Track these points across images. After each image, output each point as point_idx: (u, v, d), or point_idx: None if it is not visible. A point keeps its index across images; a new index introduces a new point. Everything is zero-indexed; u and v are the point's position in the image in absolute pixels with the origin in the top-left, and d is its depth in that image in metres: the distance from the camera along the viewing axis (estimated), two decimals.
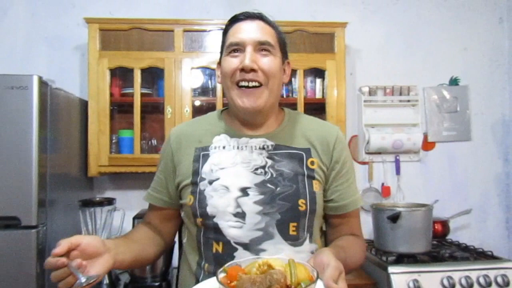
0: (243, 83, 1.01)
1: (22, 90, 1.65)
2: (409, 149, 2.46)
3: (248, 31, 1.02)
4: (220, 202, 0.99)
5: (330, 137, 1.09)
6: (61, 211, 1.91)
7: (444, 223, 2.30)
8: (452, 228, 2.35)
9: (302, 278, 0.76)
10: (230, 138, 1.07)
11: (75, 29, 2.34)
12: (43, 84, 1.70)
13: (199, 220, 1.03)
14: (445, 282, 1.76)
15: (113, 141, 2.19)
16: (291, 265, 0.78)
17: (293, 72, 2.22)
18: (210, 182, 1.02)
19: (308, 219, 1.02)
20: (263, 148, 1.05)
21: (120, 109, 2.27)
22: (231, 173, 1.01)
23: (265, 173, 1.01)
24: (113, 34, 2.10)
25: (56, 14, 2.36)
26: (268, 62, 1.02)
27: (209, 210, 1.00)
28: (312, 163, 1.05)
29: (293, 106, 2.23)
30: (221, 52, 1.08)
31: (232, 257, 0.97)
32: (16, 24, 2.34)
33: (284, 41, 1.10)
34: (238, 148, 1.05)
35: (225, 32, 1.07)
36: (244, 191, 0.99)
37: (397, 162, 2.50)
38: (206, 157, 1.06)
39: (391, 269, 1.79)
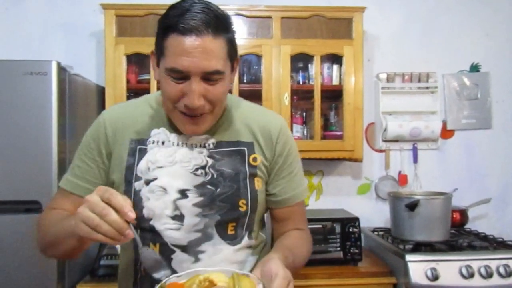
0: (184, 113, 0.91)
1: (41, 76, 1.66)
2: (427, 137, 2.41)
3: (193, 57, 0.83)
4: (157, 205, 0.94)
5: (274, 130, 1.03)
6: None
7: (463, 212, 2.27)
8: (470, 217, 2.32)
9: None
10: (170, 133, 0.98)
11: (91, 15, 2.34)
12: (61, 70, 1.71)
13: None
14: (464, 271, 1.74)
15: None
16: (235, 279, 0.74)
17: (310, 58, 2.19)
18: (147, 182, 0.95)
19: (248, 218, 0.99)
20: (204, 146, 0.98)
21: (136, 95, 2.26)
22: (169, 173, 0.95)
23: (206, 173, 0.96)
24: (129, 20, 2.09)
25: (72, 0, 2.36)
26: (217, 92, 0.89)
27: (145, 212, 0.94)
28: (255, 159, 1.00)
29: (309, 93, 2.21)
30: (160, 48, 0.88)
31: (170, 260, 0.95)
32: (33, 10, 2.35)
33: (233, 42, 0.91)
34: (178, 145, 0.97)
35: (163, 35, 0.86)
36: (183, 193, 0.94)
37: (414, 150, 2.46)
38: (142, 152, 0.97)
39: (408, 257, 1.78)
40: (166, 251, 0.95)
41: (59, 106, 1.69)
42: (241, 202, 0.97)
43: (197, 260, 0.95)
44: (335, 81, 2.25)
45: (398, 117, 2.40)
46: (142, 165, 0.96)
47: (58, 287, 1.69)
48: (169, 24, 0.85)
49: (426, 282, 1.73)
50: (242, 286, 0.72)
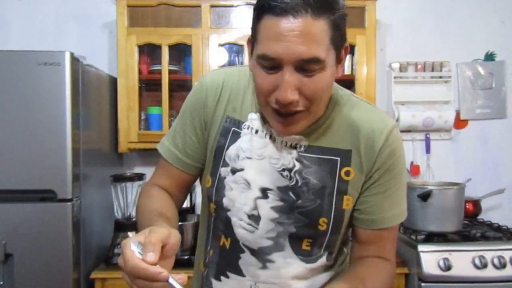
0: (276, 109, 0.78)
1: (55, 66, 1.67)
2: (440, 127, 2.39)
3: (287, 41, 0.70)
4: (238, 198, 0.87)
5: (378, 136, 0.85)
6: (94, 185, 1.96)
7: (476, 203, 2.25)
8: (483, 208, 2.30)
9: None
10: (264, 123, 0.87)
11: (103, 6, 2.35)
12: (75, 60, 1.72)
13: (212, 205, 0.92)
14: (477, 262, 1.73)
15: (142, 118, 2.22)
16: None
17: None
18: (233, 171, 0.88)
19: (328, 239, 0.88)
20: (295, 147, 0.86)
21: (148, 86, 2.28)
22: (256, 167, 0.86)
23: (291, 178, 0.85)
24: (140, 11, 2.09)
25: None
26: (315, 85, 0.74)
27: (225, 202, 0.88)
28: (347, 173, 0.85)
29: None
30: (254, 34, 0.78)
31: (238, 258, 0.90)
32: (46, 1, 2.36)
33: (340, 26, 0.76)
34: (270, 137, 0.87)
35: (257, 18, 0.75)
36: (264, 192, 0.86)
37: (427, 141, 2.44)
38: (235, 136, 0.88)
39: (421, 247, 1.77)
40: (236, 248, 0.89)
41: (72, 96, 1.71)
42: (322, 220, 0.85)
43: (264, 267, 0.88)
44: (347, 71, 2.23)
45: (411, 107, 2.38)
46: (232, 151, 0.88)
47: (73, 274, 1.72)
48: (263, 4, 0.73)
49: (438, 272, 1.73)
50: None
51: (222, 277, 0.93)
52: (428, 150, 2.44)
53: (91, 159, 1.92)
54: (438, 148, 2.46)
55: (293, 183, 0.85)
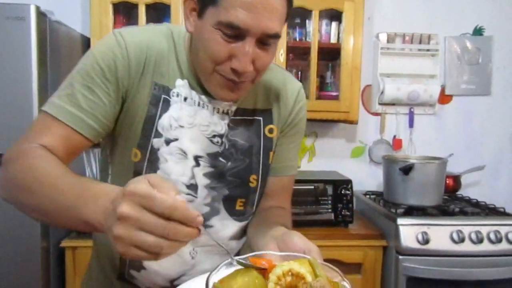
0: (228, 78, 0.77)
1: (19, 21, 1.55)
2: (425, 101, 2.35)
3: (257, 13, 0.70)
4: (175, 170, 0.83)
5: (291, 94, 0.93)
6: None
7: (456, 178, 2.25)
8: (463, 184, 2.30)
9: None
10: (191, 89, 0.84)
11: None
12: (41, 15, 1.59)
13: None
14: (455, 236, 1.73)
15: None
16: (316, 266, 0.59)
17: (308, 13, 2.08)
18: (167, 142, 0.83)
19: (258, 195, 0.93)
20: (227, 113, 0.86)
21: None
22: (189, 136, 0.84)
23: (221, 143, 0.86)
24: None
25: None
26: (266, 59, 0.77)
27: (159, 175, 0.82)
28: (271, 130, 0.91)
29: (306, 52, 2.11)
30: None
31: None
32: None
33: (292, 4, 0.78)
34: (199, 105, 0.84)
35: None
36: (196, 160, 0.85)
37: (411, 115, 2.40)
38: (166, 104, 0.82)
39: (400, 220, 1.76)
40: None
41: (39, 55, 1.59)
42: (252, 177, 0.90)
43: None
44: (333, 39, 2.15)
45: (396, 79, 2.33)
46: (164, 121, 0.82)
47: (42, 243, 1.65)
48: None
49: (416, 245, 1.72)
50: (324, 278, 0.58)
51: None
52: (411, 124, 2.41)
53: None
54: (422, 123, 2.43)
55: (223, 148, 0.87)
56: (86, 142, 0.78)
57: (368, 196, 2.18)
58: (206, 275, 0.59)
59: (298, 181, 1.90)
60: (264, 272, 0.60)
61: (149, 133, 0.82)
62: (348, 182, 1.91)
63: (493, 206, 2.02)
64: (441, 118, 2.45)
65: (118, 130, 0.84)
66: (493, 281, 1.75)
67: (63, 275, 1.77)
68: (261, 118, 0.90)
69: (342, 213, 1.88)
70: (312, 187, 1.88)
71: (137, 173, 0.83)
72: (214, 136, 0.85)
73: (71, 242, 1.77)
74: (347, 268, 1.81)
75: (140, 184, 0.52)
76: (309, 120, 2.20)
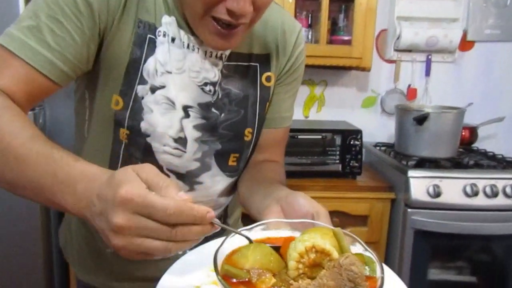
0: (223, 21, 0.66)
1: None
2: (444, 47, 2.18)
3: None
4: (161, 121, 0.73)
5: (290, 36, 0.83)
6: (60, 93, 1.77)
7: (472, 130, 2.13)
8: (479, 136, 2.18)
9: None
10: (179, 29, 0.73)
11: None
12: None
13: (124, 131, 0.74)
14: (468, 190, 1.65)
15: None
16: (341, 238, 0.50)
17: None
18: (153, 89, 0.72)
19: (252, 150, 0.86)
20: (220, 58, 0.76)
21: None
22: (177, 83, 0.73)
23: (214, 92, 0.77)
24: None
25: None
26: None
27: (143, 126, 0.73)
28: (268, 79, 0.82)
29: None
30: None
31: None
32: None
33: None
34: (188, 47, 0.73)
35: None
36: (186, 111, 0.75)
37: (428, 62, 2.25)
38: (152, 45, 0.71)
39: (411, 172, 1.67)
40: None
41: None
42: (247, 131, 0.82)
43: (192, 189, 0.81)
44: None
45: (414, 23, 2.15)
46: (150, 65, 0.71)
47: (42, 234, 1.61)
48: None
49: (426, 198, 1.64)
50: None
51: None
52: (428, 73, 2.26)
53: None
54: (439, 72, 2.28)
55: (215, 97, 0.77)
56: (53, 87, 0.66)
57: (378, 148, 2.09)
58: (203, 247, 0.53)
59: (305, 131, 1.84)
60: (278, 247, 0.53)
61: (133, 78, 0.71)
62: (357, 132, 1.81)
63: (510, 159, 1.92)
64: (461, 67, 2.29)
65: (96, 72, 0.73)
66: (504, 236, 1.69)
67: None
68: (257, 65, 0.81)
69: (350, 164, 1.80)
70: (320, 136, 1.79)
71: (118, 122, 0.74)
72: (205, 84, 0.75)
73: None
74: (353, 220, 1.76)
75: (133, 188, 0.44)
76: (319, 67, 2.10)
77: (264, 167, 0.87)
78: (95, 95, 0.75)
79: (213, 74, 0.76)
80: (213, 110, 0.77)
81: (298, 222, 0.58)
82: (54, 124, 1.69)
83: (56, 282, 1.70)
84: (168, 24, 0.72)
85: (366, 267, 0.48)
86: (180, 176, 0.79)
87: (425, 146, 1.77)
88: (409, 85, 2.27)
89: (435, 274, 1.74)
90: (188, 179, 0.80)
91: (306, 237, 0.49)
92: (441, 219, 1.64)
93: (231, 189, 0.89)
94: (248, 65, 0.80)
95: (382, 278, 0.45)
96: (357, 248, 0.51)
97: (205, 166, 0.80)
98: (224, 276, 0.46)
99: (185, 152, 0.77)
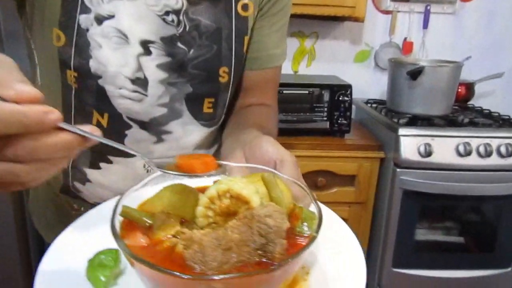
0: None
1: None
2: None
3: None
4: (113, 58, 0.63)
5: None
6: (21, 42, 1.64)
7: (469, 86, 2.03)
8: (476, 93, 2.08)
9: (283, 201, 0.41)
10: None
11: None
12: None
13: (71, 74, 0.64)
14: (461, 149, 1.57)
15: None
16: (271, 185, 0.42)
17: None
18: (99, 20, 0.61)
19: (230, 93, 0.75)
20: None
21: None
22: (131, 12, 0.63)
23: (179, 23, 0.66)
24: None
25: None
26: None
27: (93, 66, 0.63)
28: (245, 7, 0.71)
29: None
30: None
31: (123, 136, 0.69)
32: None
33: None
34: None
35: None
36: (146, 47, 0.64)
37: (426, 14, 2.10)
38: None
39: (401, 131, 1.58)
40: (119, 125, 0.68)
41: None
42: (222, 70, 0.70)
43: (160, 140, 0.71)
44: None
45: None
46: None
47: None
48: None
49: (417, 158, 1.57)
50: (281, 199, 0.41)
51: (101, 164, 0.72)
52: (426, 25, 2.12)
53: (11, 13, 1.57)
54: (438, 23, 2.14)
55: (181, 29, 0.66)
56: None
57: (369, 105, 1.98)
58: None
59: (291, 85, 1.72)
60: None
61: (73, 6, 0.61)
62: (347, 88, 1.70)
63: (507, 117, 1.83)
64: (461, 18, 2.15)
65: (30, 2, 0.63)
66: (495, 196, 1.63)
67: None
68: None
69: (339, 121, 1.70)
70: (307, 92, 1.68)
71: (64, 62, 0.63)
72: (167, 13, 0.64)
73: None
74: (341, 180, 1.69)
75: None
76: (309, 17, 1.95)
77: (249, 111, 0.78)
78: (35, 30, 0.66)
79: (175, 1, 0.64)
80: (180, 45, 0.66)
81: (258, 169, 0.48)
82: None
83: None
84: None
85: (305, 224, 0.40)
86: (143, 125, 0.69)
87: (418, 102, 1.67)
88: (405, 38, 2.13)
89: (422, 234, 1.70)
90: (153, 128, 0.70)
91: (225, 180, 0.39)
92: (431, 179, 1.58)
93: (213, 141, 0.80)
94: None
95: (312, 238, 0.36)
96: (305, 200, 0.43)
97: (174, 113, 0.70)
98: (125, 221, 0.38)
99: (146, 95, 0.66)
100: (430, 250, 1.72)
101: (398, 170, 1.58)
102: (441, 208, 1.70)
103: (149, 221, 0.39)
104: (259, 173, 0.45)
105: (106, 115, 0.67)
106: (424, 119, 1.70)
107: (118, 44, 0.62)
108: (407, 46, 2.13)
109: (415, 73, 1.61)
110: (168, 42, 0.65)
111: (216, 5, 0.68)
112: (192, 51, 0.67)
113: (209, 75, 0.70)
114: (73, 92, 0.67)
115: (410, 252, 1.69)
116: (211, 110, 0.74)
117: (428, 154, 1.56)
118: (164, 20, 0.64)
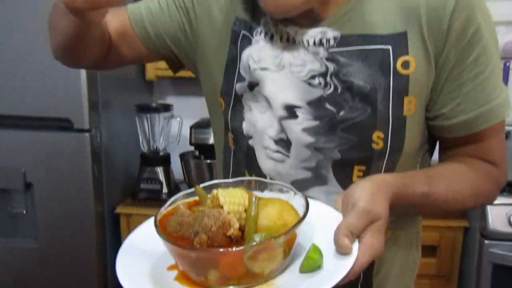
0: None
1: None
2: None
3: None
4: (260, 119, 0.67)
5: (443, 1, 0.60)
6: (117, 115, 1.81)
7: None
8: None
9: (271, 226, 0.51)
10: (272, 25, 0.66)
11: None
12: None
13: (230, 135, 0.72)
14: None
15: None
16: (252, 203, 0.53)
17: None
18: (251, 87, 0.67)
19: (387, 162, 0.65)
20: (321, 44, 0.63)
21: None
22: (275, 80, 0.65)
23: (326, 85, 0.63)
24: None
25: None
26: None
27: (245, 127, 0.69)
28: (406, 64, 0.61)
29: None
30: None
31: None
32: None
33: None
34: (288, 40, 0.65)
35: None
36: (291, 111, 0.65)
37: (505, 70, 2.01)
38: (245, 41, 0.68)
39: None
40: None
41: None
42: (376, 135, 0.63)
43: None
44: None
45: None
46: (244, 60, 0.68)
47: (96, 207, 1.65)
48: None
49: (507, 229, 1.44)
50: (267, 215, 0.53)
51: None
52: (505, 79, 2.02)
53: (113, 85, 1.75)
54: None
55: (331, 90, 0.63)
56: (136, 39, 0.75)
57: None
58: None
59: None
60: None
61: (232, 77, 0.70)
62: None
63: None
64: None
65: (202, 77, 0.76)
66: None
67: (119, 241, 1.77)
68: (389, 47, 0.62)
69: None
70: None
71: (226, 126, 0.72)
72: (313, 77, 0.64)
73: (126, 209, 1.76)
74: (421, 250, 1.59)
75: None
76: None
77: (447, 160, 0.69)
78: (208, 102, 0.77)
79: (319, 64, 0.63)
80: (328, 106, 0.63)
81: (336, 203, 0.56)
82: (110, 145, 1.72)
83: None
84: (266, 25, 0.68)
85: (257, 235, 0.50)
86: None
87: (508, 167, 1.56)
88: None
89: None
90: None
91: (228, 190, 0.55)
92: None
93: None
94: (376, 48, 0.62)
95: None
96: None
97: (319, 179, 0.67)
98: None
99: (288, 157, 0.67)
100: None
101: (486, 242, 1.46)
102: None
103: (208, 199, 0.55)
104: (275, 198, 0.56)
105: (254, 176, 0.70)
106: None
107: (264, 107, 0.67)
108: None
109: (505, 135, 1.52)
110: (315, 105, 0.64)
111: (370, 64, 0.62)
112: (342, 112, 0.63)
113: (361, 140, 0.64)
114: (232, 154, 0.73)
115: None
116: None
117: None
118: (310, 84, 0.64)
